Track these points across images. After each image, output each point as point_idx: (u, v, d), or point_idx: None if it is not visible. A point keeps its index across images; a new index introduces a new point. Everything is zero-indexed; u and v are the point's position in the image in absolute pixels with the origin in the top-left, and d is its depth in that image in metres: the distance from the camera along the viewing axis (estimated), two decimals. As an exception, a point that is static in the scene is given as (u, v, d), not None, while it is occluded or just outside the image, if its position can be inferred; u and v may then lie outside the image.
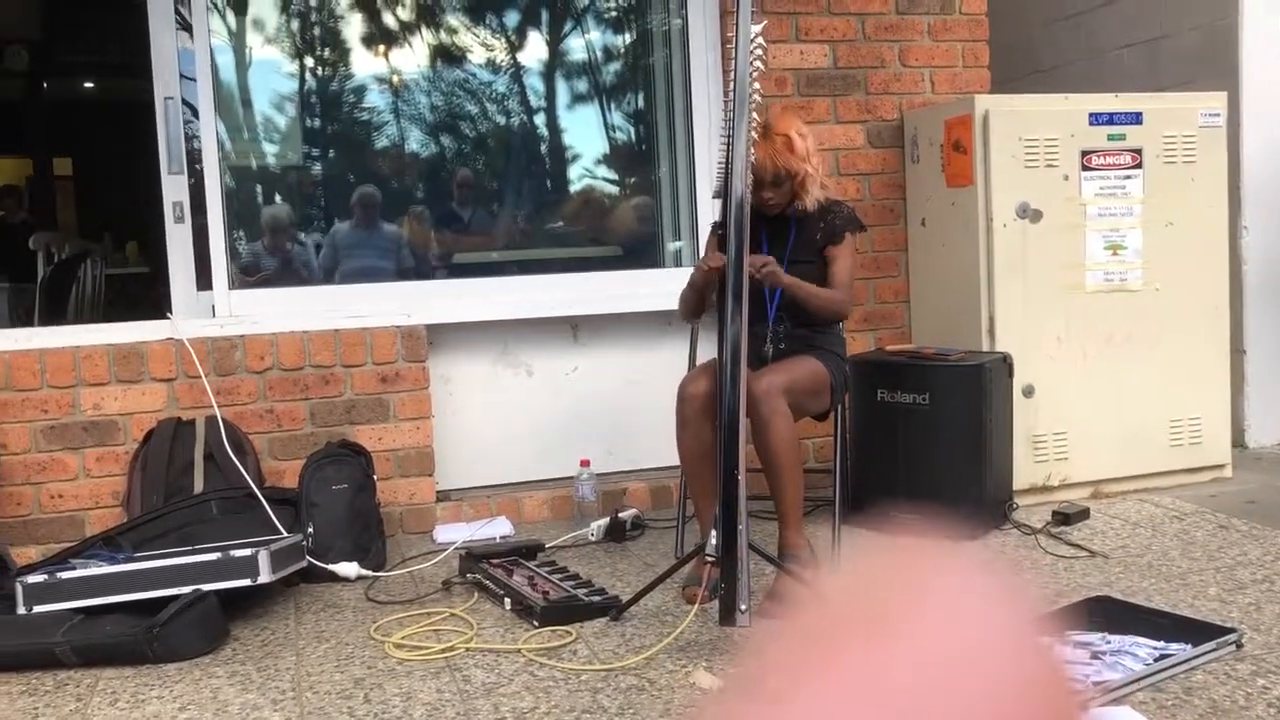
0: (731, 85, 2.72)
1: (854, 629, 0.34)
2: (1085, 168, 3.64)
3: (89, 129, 8.94)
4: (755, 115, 2.78)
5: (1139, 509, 3.57)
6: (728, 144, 2.74)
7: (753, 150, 2.87)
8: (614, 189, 4.54)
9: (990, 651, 0.33)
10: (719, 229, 3.10)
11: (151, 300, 5.55)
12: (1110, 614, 2.57)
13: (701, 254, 3.45)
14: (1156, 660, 2.27)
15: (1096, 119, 3.65)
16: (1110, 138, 3.66)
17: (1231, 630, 2.41)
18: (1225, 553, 3.08)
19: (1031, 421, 3.60)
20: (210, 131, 3.61)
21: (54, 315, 5.49)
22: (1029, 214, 3.61)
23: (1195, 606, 2.66)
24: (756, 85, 2.73)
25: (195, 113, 3.66)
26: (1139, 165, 3.69)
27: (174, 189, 3.63)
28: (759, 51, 2.70)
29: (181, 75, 3.63)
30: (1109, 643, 2.37)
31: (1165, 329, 3.74)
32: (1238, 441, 4.18)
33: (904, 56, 4.06)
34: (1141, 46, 4.70)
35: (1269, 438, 4.36)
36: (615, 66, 4.48)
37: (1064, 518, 3.38)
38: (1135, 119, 3.68)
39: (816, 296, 3.01)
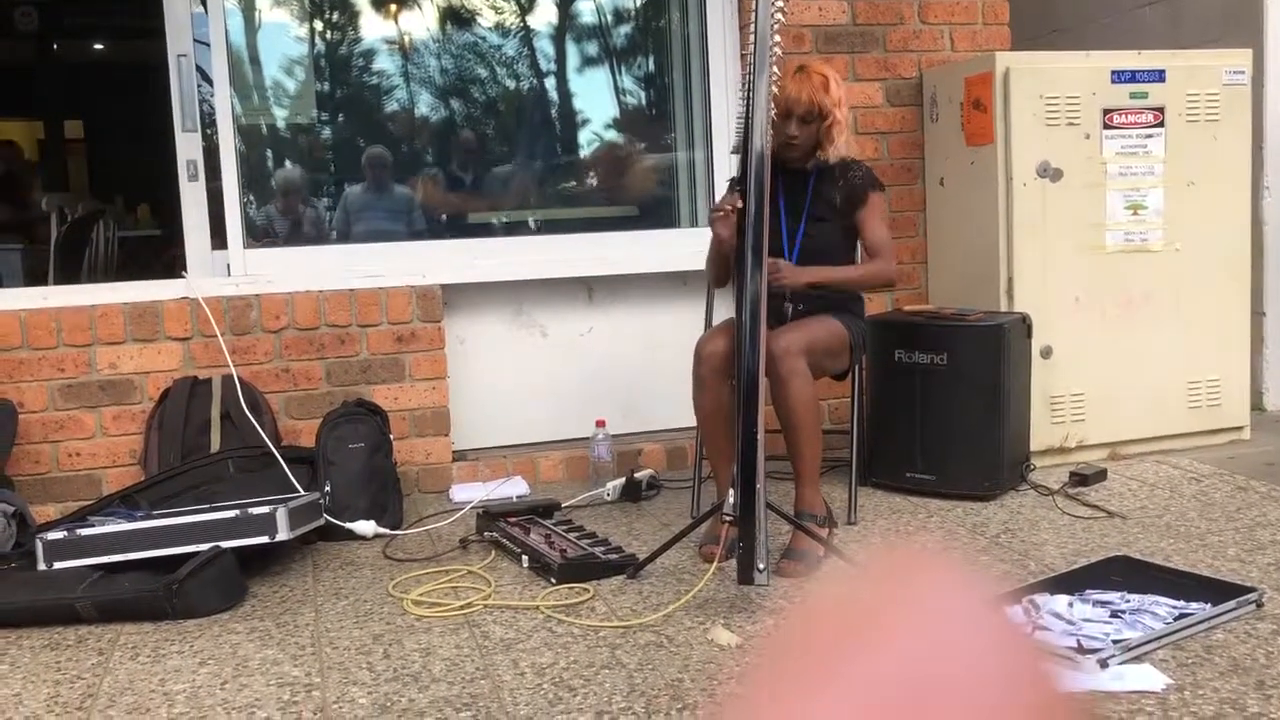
0: (752, 39, 2.68)
1: (838, 637, 0.34)
2: (1107, 126, 3.60)
3: (100, 91, 8.91)
4: (776, 69, 2.74)
5: (1156, 470, 3.55)
6: (747, 98, 2.71)
7: (787, 85, 2.85)
8: (630, 148, 4.50)
9: (979, 662, 0.33)
10: (737, 185, 3.07)
11: (164, 263, 5.55)
12: (1130, 573, 2.57)
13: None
14: (1176, 619, 2.27)
15: (1119, 77, 3.60)
16: (1132, 96, 3.62)
17: (1252, 589, 2.40)
18: (1244, 514, 3.07)
19: (1049, 382, 3.58)
20: (224, 89, 3.59)
21: (68, 277, 5.49)
22: (1049, 173, 3.57)
23: (1214, 566, 2.65)
24: (777, 39, 2.69)
25: (206, 77, 3.64)
26: (1161, 124, 3.65)
27: (188, 146, 3.61)
28: (780, 3, 2.66)
29: (194, 40, 3.60)
30: (1129, 601, 2.36)
31: (1185, 290, 3.71)
32: (1255, 404, 4.15)
33: (923, 13, 4.00)
34: (1163, 4, 4.63)
35: (1288, 400, 4.33)
36: (630, 24, 4.44)
37: (1081, 479, 3.37)
38: (1158, 77, 3.63)
39: (852, 280, 2.99)
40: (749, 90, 2.70)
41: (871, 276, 3.06)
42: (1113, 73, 3.60)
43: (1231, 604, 2.33)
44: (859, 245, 3.12)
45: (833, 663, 0.33)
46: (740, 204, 2.67)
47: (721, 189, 3.90)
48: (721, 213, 2.78)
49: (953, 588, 0.36)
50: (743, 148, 2.74)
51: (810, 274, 2.92)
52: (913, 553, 0.37)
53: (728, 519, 2.52)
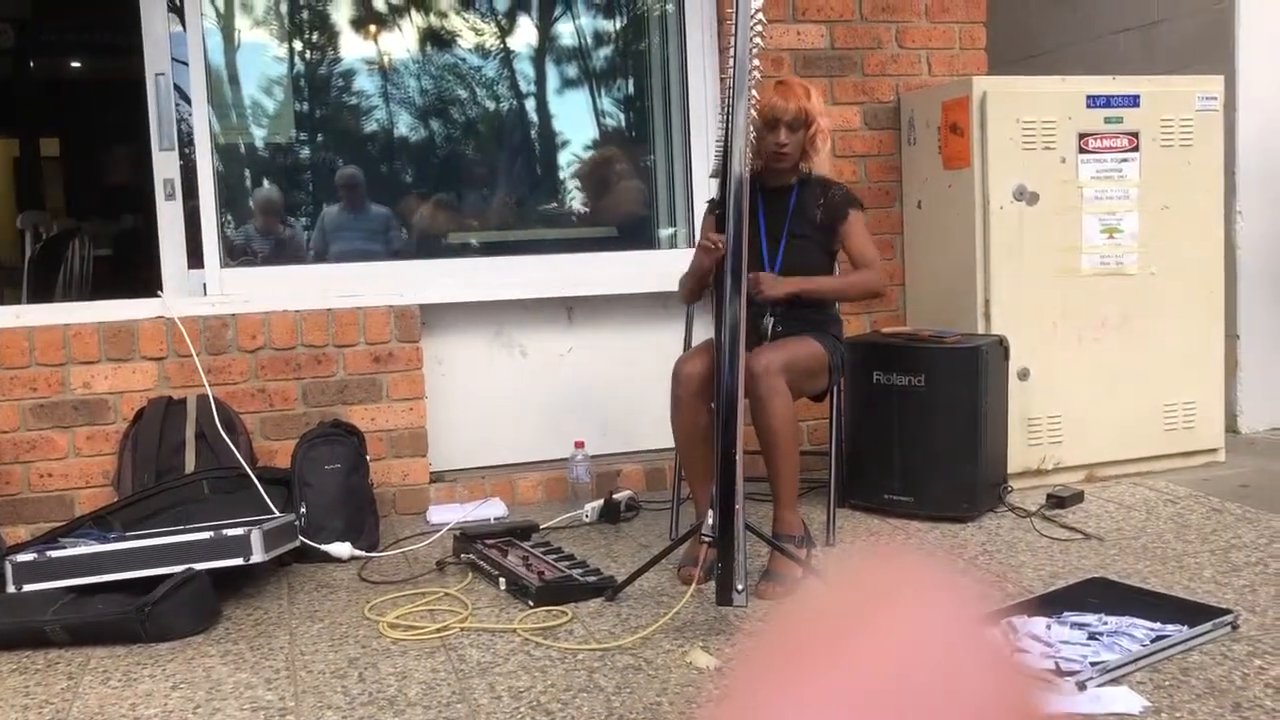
0: (731, 62, 2.70)
1: (817, 651, 0.34)
2: (1082, 150, 3.63)
3: (77, 109, 8.85)
4: (755, 94, 2.76)
5: (1133, 492, 3.57)
6: (726, 122, 2.72)
7: (771, 97, 2.88)
8: (611, 167, 4.51)
9: (960, 677, 0.33)
10: (716, 208, 3.08)
11: (140, 282, 5.51)
12: (1107, 595, 2.57)
13: (698, 234, 3.42)
14: (1153, 641, 2.27)
15: (1094, 101, 3.64)
16: (1107, 120, 3.65)
17: (1228, 612, 2.41)
18: (1219, 536, 3.08)
19: (1026, 404, 3.59)
20: (202, 108, 3.57)
21: (42, 295, 5.44)
22: (1026, 196, 3.60)
23: (1191, 589, 2.66)
24: (756, 62, 2.70)
25: (184, 96, 3.63)
26: (1136, 148, 3.68)
27: (165, 165, 3.59)
28: (759, 28, 2.68)
29: (172, 59, 3.59)
30: (1106, 624, 2.36)
31: (1160, 313, 3.74)
32: (1230, 426, 4.19)
33: (901, 38, 4.04)
34: (1138, 31, 4.69)
35: (1261, 423, 4.37)
36: (609, 47, 4.45)
37: (1058, 501, 3.38)
38: (1133, 101, 3.67)
39: (837, 289, 3.00)
40: (728, 113, 2.71)
41: (855, 286, 3.05)
42: (1088, 97, 3.64)
43: (1207, 626, 2.34)
44: (836, 264, 3.14)
45: (810, 676, 0.33)
46: (722, 248, 2.68)
47: (700, 210, 3.91)
48: (711, 245, 2.78)
49: (936, 603, 0.36)
50: (721, 171, 2.75)
51: (792, 284, 2.91)
52: (895, 567, 0.37)
53: (706, 540, 2.52)
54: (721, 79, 3.90)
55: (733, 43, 2.69)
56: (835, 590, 0.37)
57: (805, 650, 0.35)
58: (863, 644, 0.34)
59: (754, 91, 2.74)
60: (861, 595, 0.37)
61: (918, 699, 0.32)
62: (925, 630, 0.35)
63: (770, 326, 2.98)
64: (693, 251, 3.15)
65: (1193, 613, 2.41)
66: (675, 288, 3.19)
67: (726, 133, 2.72)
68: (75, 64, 9.13)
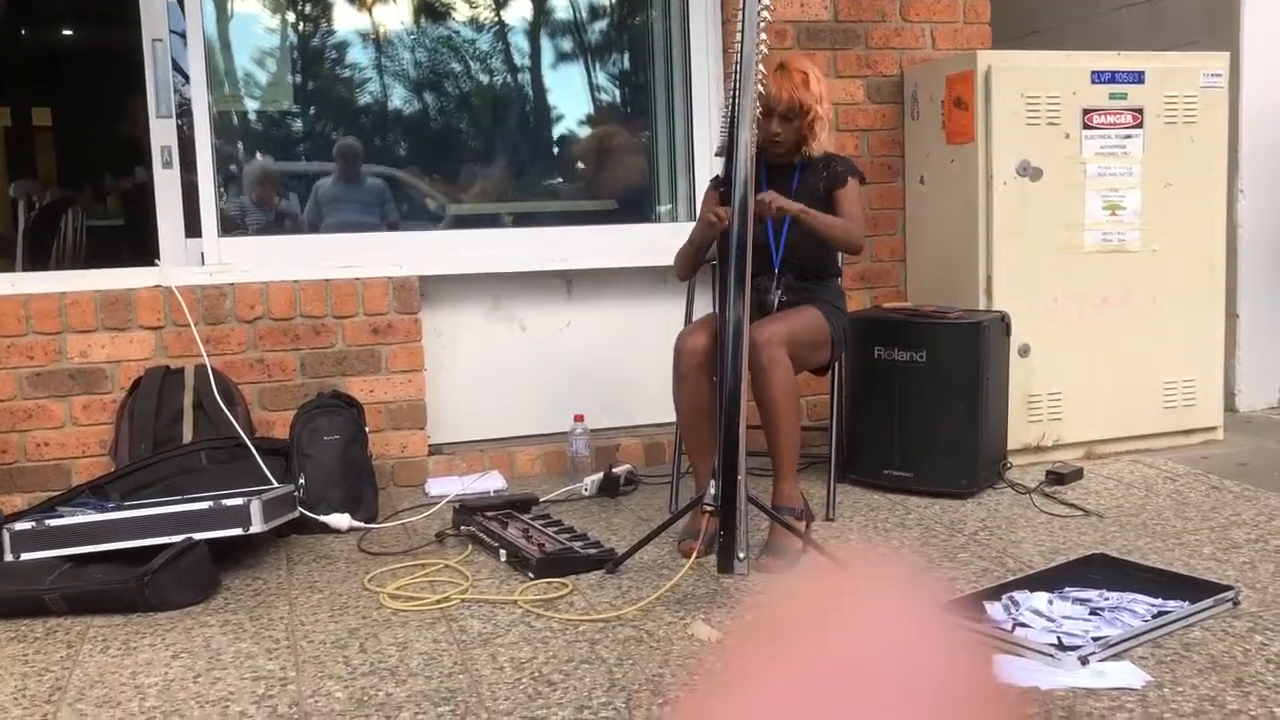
0: (738, 35, 2.67)
1: (792, 632, 0.35)
2: (1086, 126, 3.61)
3: (70, 78, 8.77)
4: (761, 68, 2.73)
5: (1132, 470, 3.57)
6: (733, 100, 2.70)
7: (768, 83, 2.83)
8: (611, 139, 4.48)
9: (920, 661, 0.34)
10: (720, 184, 3.06)
11: (134, 254, 5.46)
12: (1108, 571, 2.57)
13: (698, 209, 3.40)
14: (1155, 617, 2.27)
15: (1099, 77, 3.62)
16: (1112, 96, 3.63)
17: (1229, 588, 2.41)
18: (1219, 513, 3.09)
19: (1026, 381, 3.59)
20: (200, 75, 3.53)
21: (36, 266, 5.40)
22: (1029, 172, 3.58)
23: (1191, 565, 2.66)
24: (763, 36, 2.68)
25: (179, 68, 3.59)
26: (1140, 125, 3.67)
27: (162, 133, 3.56)
28: (766, 0, 2.65)
29: (169, 31, 3.55)
30: (1108, 599, 2.37)
31: (1161, 291, 3.73)
32: (1229, 405, 4.19)
33: (905, 11, 4.00)
34: (1142, 7, 4.66)
35: (1260, 401, 4.37)
36: (610, 18, 4.41)
37: (1058, 477, 3.38)
38: (1137, 78, 3.65)
39: (829, 225, 2.92)
40: (735, 92, 2.68)
41: (841, 229, 2.95)
42: (1093, 73, 3.61)
43: (1209, 602, 2.34)
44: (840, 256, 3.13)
45: (782, 656, 0.33)
46: (728, 221, 2.67)
47: (701, 184, 3.89)
48: (715, 219, 2.77)
49: (900, 590, 0.36)
50: (727, 151, 2.74)
51: (794, 206, 2.85)
52: (869, 555, 0.37)
53: (708, 509, 2.51)
54: (726, 51, 3.87)
55: (740, 14, 2.67)
56: (818, 574, 0.37)
57: (799, 627, 0.35)
58: (849, 626, 0.34)
59: (761, 67, 2.72)
60: (848, 583, 0.37)
61: (875, 682, 0.32)
62: (903, 619, 0.35)
63: (775, 301, 2.97)
64: (692, 226, 3.13)
65: (1194, 589, 2.41)
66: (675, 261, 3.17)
67: (732, 113, 2.70)
68: (68, 32, 9.04)
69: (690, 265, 3.08)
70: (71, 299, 3.33)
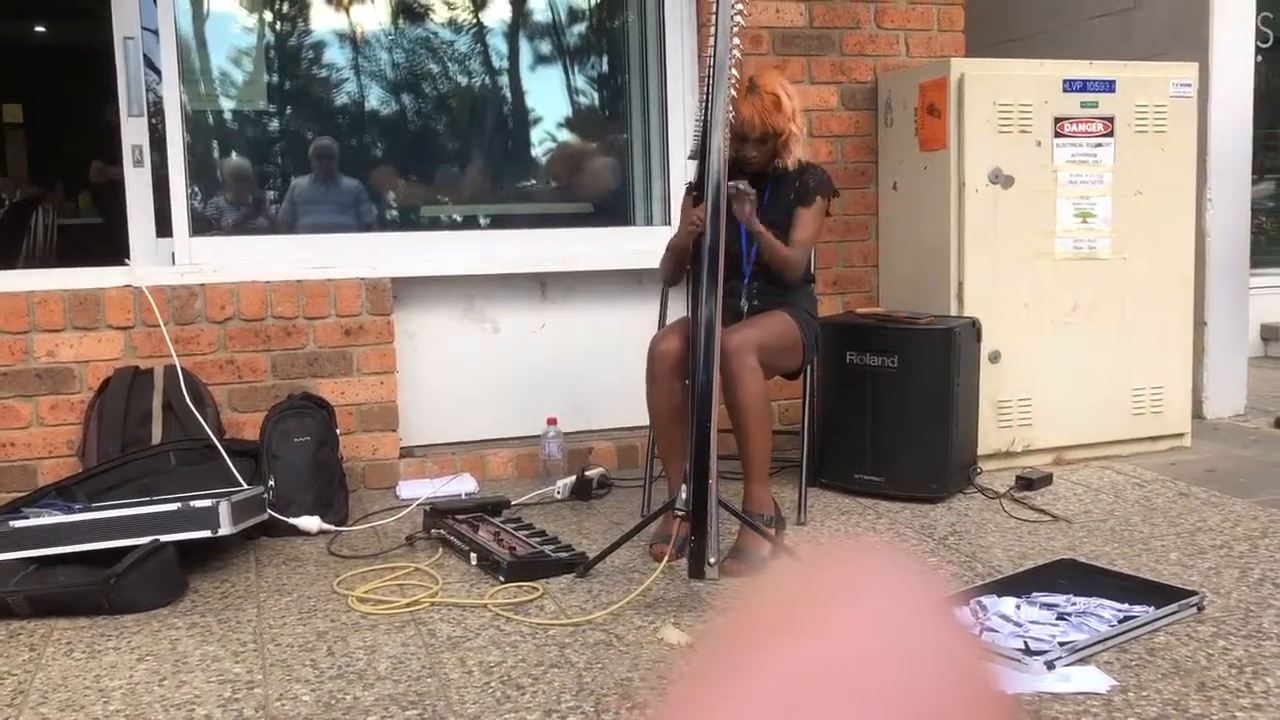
0: (712, 42, 2.68)
1: (772, 629, 0.34)
2: (1058, 134, 3.64)
3: (41, 75, 8.68)
4: (735, 73, 2.74)
5: (1101, 475, 3.60)
6: (705, 104, 2.70)
7: (740, 106, 2.83)
8: (586, 145, 4.48)
9: (919, 657, 0.33)
10: (694, 190, 3.06)
11: (105, 252, 5.41)
12: (1075, 576, 2.59)
13: (675, 215, 3.41)
14: (1121, 622, 2.29)
15: (1070, 85, 3.65)
16: (1083, 105, 3.66)
17: (1194, 593, 2.43)
18: (1185, 519, 3.12)
19: (997, 387, 3.61)
20: (172, 74, 3.51)
21: (5, 264, 5.35)
22: (1001, 179, 3.61)
23: (1157, 570, 2.68)
24: (737, 42, 2.68)
25: (152, 66, 3.56)
26: (1110, 133, 3.70)
27: (133, 132, 3.53)
28: (740, 5, 2.66)
29: (142, 28, 3.52)
30: (1075, 604, 2.38)
31: (1131, 298, 3.76)
32: (1196, 412, 4.23)
33: (879, 18, 4.03)
34: (1114, 16, 4.71)
35: (1227, 408, 4.41)
36: (585, 22, 4.41)
37: (1027, 483, 3.41)
38: (1108, 87, 3.68)
39: (772, 252, 2.93)
40: (708, 98, 2.69)
41: (783, 262, 2.95)
42: (1065, 82, 3.64)
43: (1173, 607, 2.36)
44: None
45: (762, 654, 0.33)
46: (700, 225, 2.68)
47: (676, 187, 3.89)
48: (692, 227, 2.78)
49: (897, 583, 0.35)
50: (700, 154, 2.74)
51: (756, 226, 2.87)
52: (858, 547, 0.37)
53: (680, 514, 2.51)
54: (700, 56, 3.87)
55: (714, 19, 2.67)
56: (796, 569, 0.37)
57: (768, 629, 0.34)
58: (817, 621, 0.34)
59: (734, 71, 2.72)
60: (821, 573, 0.36)
61: (879, 679, 0.32)
62: (888, 612, 0.34)
63: (747, 307, 2.97)
64: (667, 229, 3.13)
65: (1159, 594, 2.44)
66: (649, 265, 3.17)
67: (705, 115, 2.71)
68: (39, 29, 8.96)
69: (672, 270, 3.07)
70: (39, 298, 3.30)
